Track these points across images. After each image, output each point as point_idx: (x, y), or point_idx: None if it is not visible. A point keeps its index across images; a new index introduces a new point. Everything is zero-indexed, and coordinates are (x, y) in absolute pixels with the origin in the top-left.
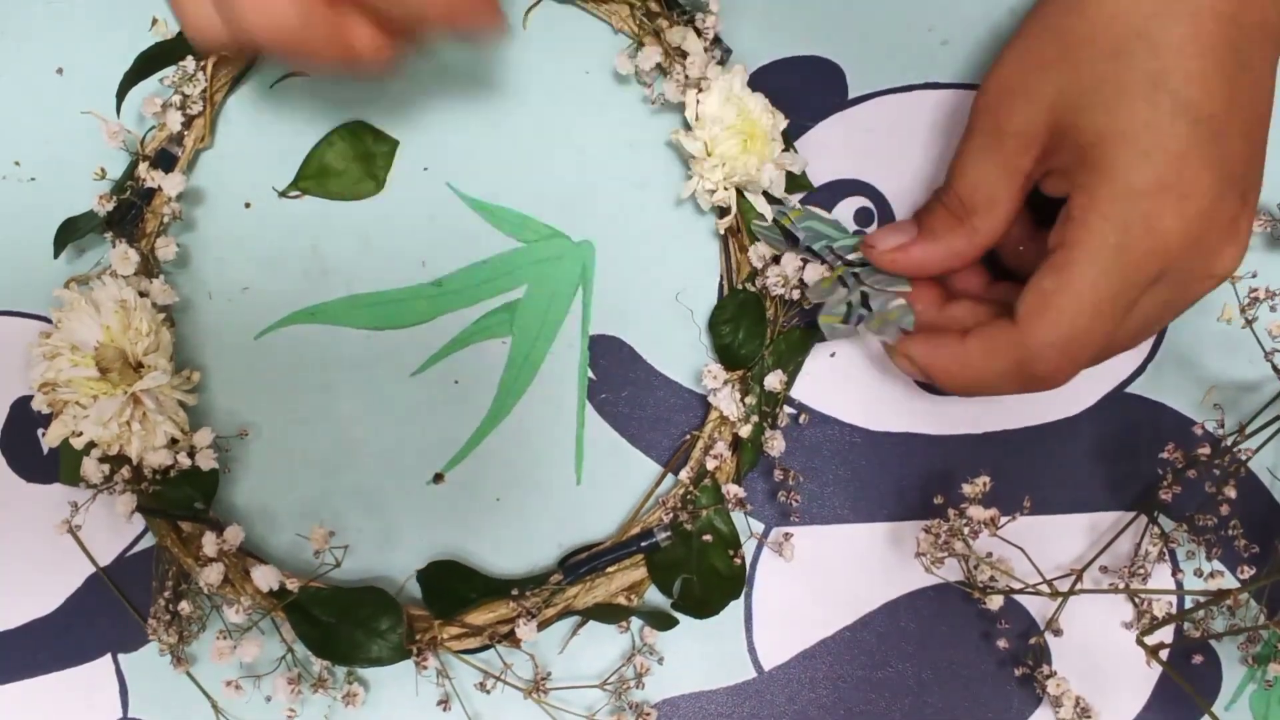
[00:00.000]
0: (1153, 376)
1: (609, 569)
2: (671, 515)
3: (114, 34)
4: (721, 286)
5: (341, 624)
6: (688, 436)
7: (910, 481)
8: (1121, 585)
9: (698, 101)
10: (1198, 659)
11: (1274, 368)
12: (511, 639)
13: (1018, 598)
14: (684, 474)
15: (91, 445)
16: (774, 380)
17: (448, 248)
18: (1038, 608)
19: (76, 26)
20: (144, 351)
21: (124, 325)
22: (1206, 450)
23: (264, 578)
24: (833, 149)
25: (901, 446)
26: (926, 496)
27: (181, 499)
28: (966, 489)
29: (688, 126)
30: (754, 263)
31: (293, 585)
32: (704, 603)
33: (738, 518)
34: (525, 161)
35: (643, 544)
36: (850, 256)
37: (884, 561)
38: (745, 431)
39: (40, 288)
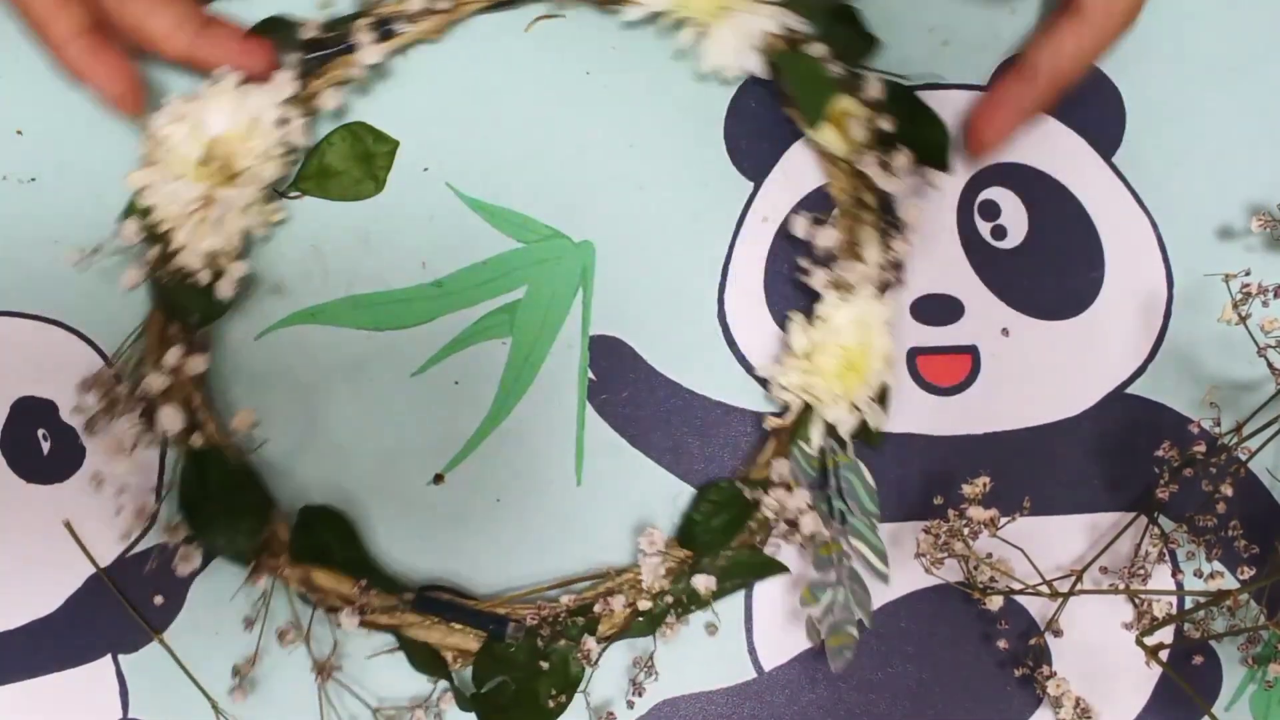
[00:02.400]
0: (1153, 377)
1: (453, 623)
2: (536, 621)
3: None
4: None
5: (215, 498)
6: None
7: (910, 482)
8: (1121, 586)
9: (833, 305)
10: (1198, 659)
11: (1268, 363)
12: (336, 615)
13: (1018, 598)
14: (569, 597)
15: (146, 212)
16: (703, 582)
17: (448, 248)
18: (1038, 608)
19: None
20: (245, 168)
21: (247, 136)
22: (1202, 448)
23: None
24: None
25: (901, 446)
26: (926, 497)
27: (188, 305)
28: (966, 489)
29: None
30: (773, 476)
31: (203, 439)
32: (502, 712)
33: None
34: (525, 161)
35: (492, 627)
36: (851, 549)
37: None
38: (645, 606)
39: (41, 288)
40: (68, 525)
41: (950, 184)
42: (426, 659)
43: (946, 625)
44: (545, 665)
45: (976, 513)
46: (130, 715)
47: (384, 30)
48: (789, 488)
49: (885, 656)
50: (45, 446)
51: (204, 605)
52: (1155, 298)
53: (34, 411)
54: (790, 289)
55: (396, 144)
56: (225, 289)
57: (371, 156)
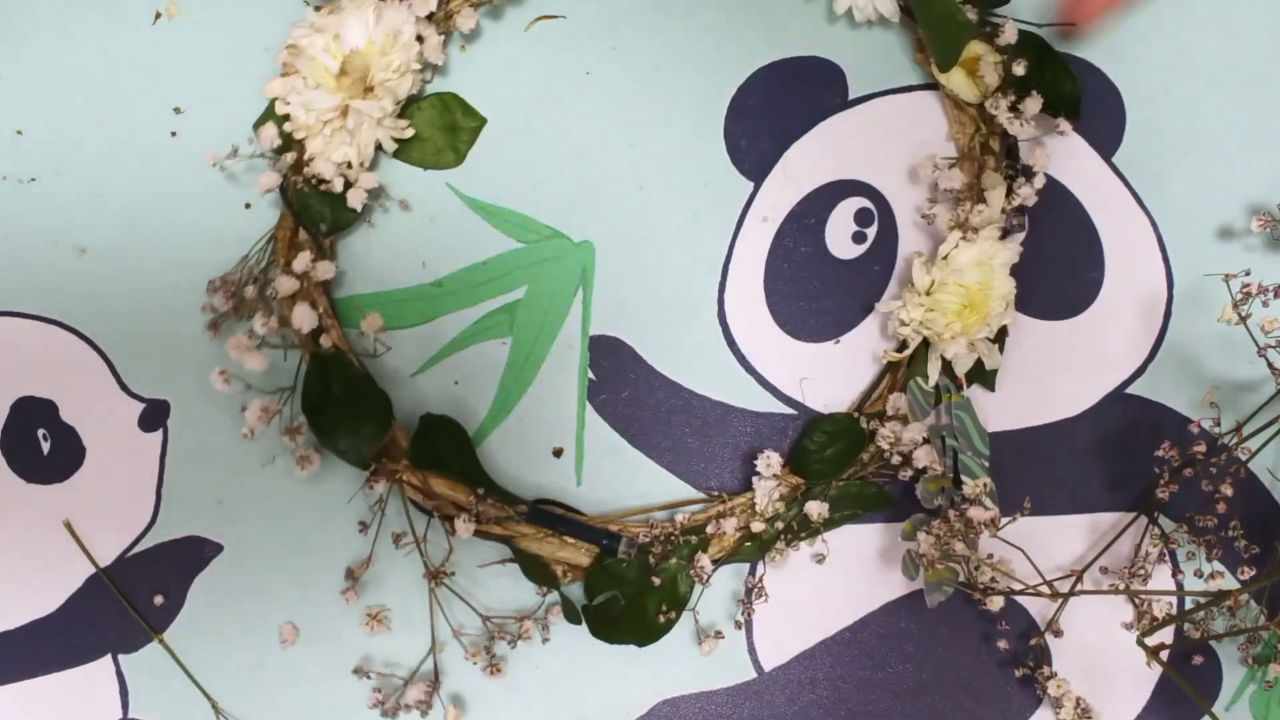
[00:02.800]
0: (1152, 377)
1: (567, 537)
2: (649, 540)
3: (116, 32)
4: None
5: (339, 401)
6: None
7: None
8: (1122, 586)
9: (956, 244)
10: (1198, 660)
11: (1268, 363)
12: (451, 524)
13: (1018, 599)
14: (683, 516)
15: (285, 119)
16: (815, 508)
17: (448, 248)
18: (1038, 608)
19: (84, 23)
20: (381, 82)
21: (384, 50)
22: (1202, 448)
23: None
24: (833, 149)
25: None
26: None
27: (315, 212)
28: (967, 489)
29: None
30: (888, 409)
31: (330, 342)
32: (610, 626)
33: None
34: (525, 161)
35: (605, 542)
36: (965, 490)
37: (884, 562)
38: (758, 528)
39: (41, 288)
40: (68, 525)
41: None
42: (538, 570)
43: (946, 625)
44: (656, 582)
45: (977, 513)
46: (130, 715)
47: None
48: (905, 421)
49: (885, 656)
50: (45, 446)
51: (204, 606)
52: (1155, 298)
53: (34, 411)
54: (790, 288)
55: (484, 122)
56: (355, 199)
57: (457, 129)
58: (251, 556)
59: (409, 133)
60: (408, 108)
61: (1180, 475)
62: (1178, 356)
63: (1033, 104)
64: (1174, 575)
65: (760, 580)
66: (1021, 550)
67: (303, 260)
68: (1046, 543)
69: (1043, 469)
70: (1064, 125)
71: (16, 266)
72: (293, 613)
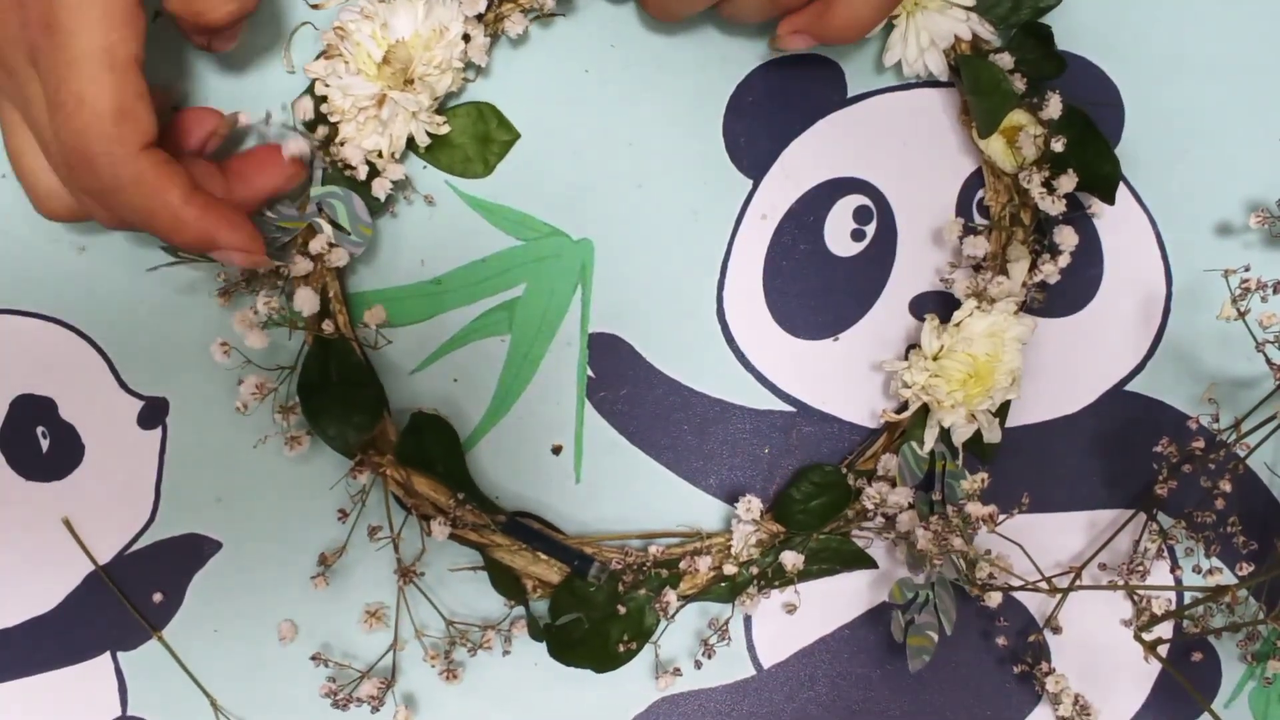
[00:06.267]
0: (1152, 374)
1: (540, 553)
2: (621, 566)
3: None
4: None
5: (335, 387)
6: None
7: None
8: (1120, 582)
9: (971, 312)
10: (1197, 656)
11: (1266, 359)
12: (428, 524)
13: (1017, 595)
14: (657, 548)
15: (322, 100)
16: (790, 559)
17: (447, 246)
18: (1037, 605)
19: None
20: (421, 76)
21: (429, 44)
22: (1201, 445)
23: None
24: (832, 148)
25: None
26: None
27: (336, 181)
28: (965, 485)
29: None
30: (879, 469)
31: (334, 327)
32: (571, 648)
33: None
34: (524, 159)
35: (576, 563)
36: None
37: (884, 560)
38: (731, 570)
39: (40, 286)
40: (66, 523)
41: (949, 181)
42: (508, 583)
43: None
44: (622, 610)
45: (975, 508)
46: (129, 713)
47: None
48: (893, 483)
49: (884, 654)
50: (44, 444)
51: (203, 603)
52: (1154, 294)
53: (33, 409)
54: (789, 285)
55: (517, 136)
56: (379, 189)
57: (488, 141)
58: (250, 554)
59: (445, 129)
60: (443, 108)
61: (1179, 472)
62: (1177, 353)
63: (1067, 182)
64: (1172, 571)
65: (725, 624)
66: (1020, 546)
67: (319, 242)
68: (1045, 539)
69: (1041, 465)
70: (1096, 207)
71: (15, 264)
72: (292, 610)
